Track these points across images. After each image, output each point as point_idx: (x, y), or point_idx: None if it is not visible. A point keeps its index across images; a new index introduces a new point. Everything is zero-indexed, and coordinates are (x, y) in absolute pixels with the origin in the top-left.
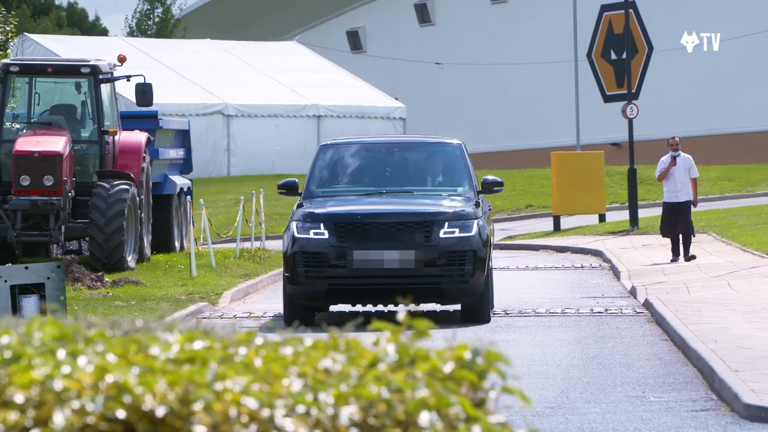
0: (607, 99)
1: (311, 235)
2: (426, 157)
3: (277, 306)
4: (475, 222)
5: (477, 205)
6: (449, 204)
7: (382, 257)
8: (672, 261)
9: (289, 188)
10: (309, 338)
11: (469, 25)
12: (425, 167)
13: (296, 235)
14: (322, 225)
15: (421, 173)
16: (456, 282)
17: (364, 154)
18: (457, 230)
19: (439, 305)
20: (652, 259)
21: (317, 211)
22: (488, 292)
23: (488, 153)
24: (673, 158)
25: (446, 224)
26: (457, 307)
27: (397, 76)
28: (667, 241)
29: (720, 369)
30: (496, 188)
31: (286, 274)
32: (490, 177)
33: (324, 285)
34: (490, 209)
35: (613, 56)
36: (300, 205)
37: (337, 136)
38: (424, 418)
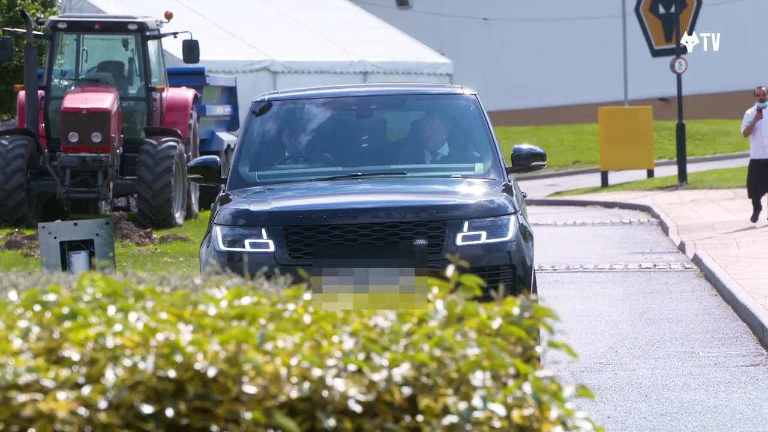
0: (656, 53)
1: (246, 248)
2: (423, 117)
3: None
4: (511, 219)
5: (508, 190)
6: (467, 191)
7: (366, 282)
8: (753, 219)
9: (207, 172)
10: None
11: None
12: (422, 134)
13: (221, 247)
14: (263, 231)
15: (417, 143)
16: None
17: (326, 115)
18: (483, 233)
19: None
20: (701, 215)
21: (255, 208)
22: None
23: (534, 109)
24: (759, 110)
25: (465, 225)
26: None
27: (443, 32)
28: (721, 195)
29: None
30: (535, 163)
31: None
32: (525, 146)
33: None
34: (525, 196)
35: (662, 10)
36: (225, 199)
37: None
38: (478, 377)
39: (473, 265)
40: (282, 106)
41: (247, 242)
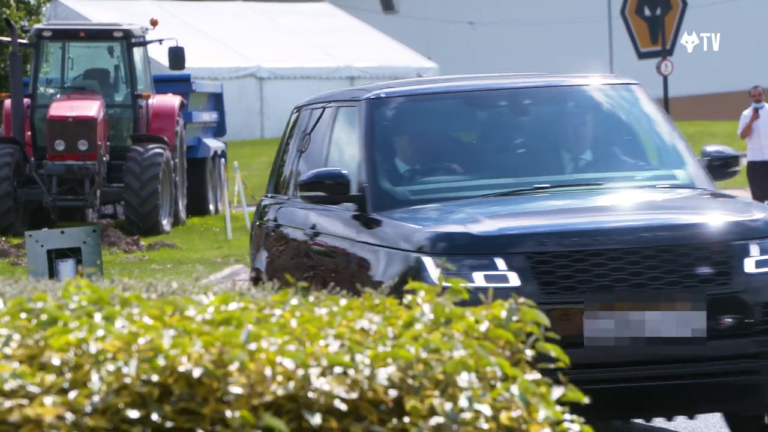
0: (642, 56)
1: (484, 283)
2: (592, 113)
3: None
4: None
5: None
6: (718, 206)
7: (643, 321)
8: None
9: (332, 189)
10: (344, 299)
11: None
12: (598, 134)
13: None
14: (502, 261)
15: (595, 146)
16: None
17: (469, 114)
18: None
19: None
20: None
21: (475, 230)
22: None
23: None
24: (756, 110)
25: (754, 247)
26: None
27: (429, 37)
28: None
29: None
30: (732, 169)
31: None
32: (713, 148)
33: None
34: None
35: (647, 13)
36: (381, 223)
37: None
38: (463, 378)
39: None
40: (407, 103)
41: (482, 274)
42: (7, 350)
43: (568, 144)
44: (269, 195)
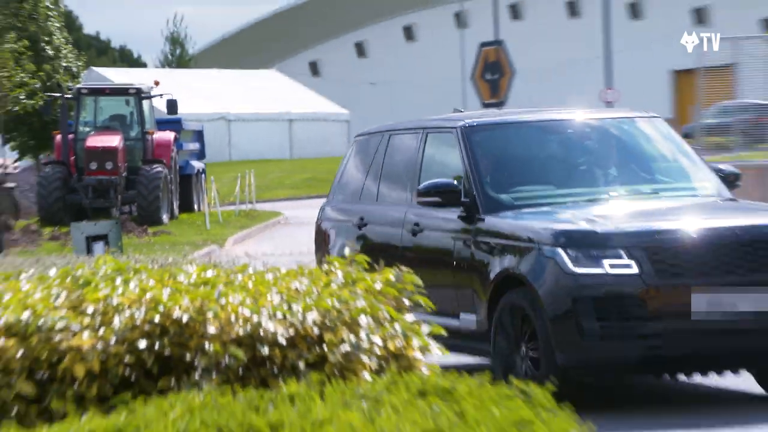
0: (485, 106)
1: (607, 270)
2: (631, 140)
3: (263, 248)
4: None
5: None
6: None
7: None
8: None
9: (446, 196)
10: (284, 269)
11: (392, 56)
12: (639, 156)
13: (571, 269)
14: (623, 252)
15: (638, 164)
16: None
17: (546, 138)
18: None
19: None
20: None
21: (601, 229)
22: None
23: None
24: None
25: None
26: None
27: (344, 93)
28: None
29: None
30: (737, 183)
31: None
32: (724, 167)
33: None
34: None
35: (488, 77)
36: (492, 223)
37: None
38: (363, 320)
39: None
40: (493, 130)
41: (606, 263)
42: (57, 302)
43: (620, 162)
44: (336, 203)
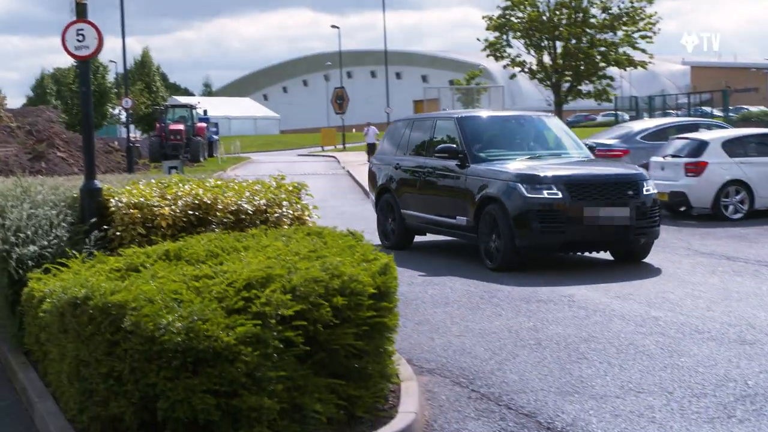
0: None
1: (545, 195)
2: (540, 126)
3: (243, 173)
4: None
5: None
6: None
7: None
8: None
9: (451, 153)
10: (251, 180)
11: (298, 92)
12: (547, 134)
13: (525, 194)
14: (553, 186)
15: (547, 139)
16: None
17: (499, 124)
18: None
19: None
20: None
21: (541, 173)
22: None
23: None
24: None
25: (647, 184)
26: None
27: (275, 107)
28: None
29: None
30: (594, 152)
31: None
32: (588, 142)
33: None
34: None
35: (339, 101)
36: (479, 169)
37: (396, 116)
38: (285, 203)
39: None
40: (475, 119)
41: (544, 191)
42: (155, 193)
43: (539, 138)
44: (380, 157)
